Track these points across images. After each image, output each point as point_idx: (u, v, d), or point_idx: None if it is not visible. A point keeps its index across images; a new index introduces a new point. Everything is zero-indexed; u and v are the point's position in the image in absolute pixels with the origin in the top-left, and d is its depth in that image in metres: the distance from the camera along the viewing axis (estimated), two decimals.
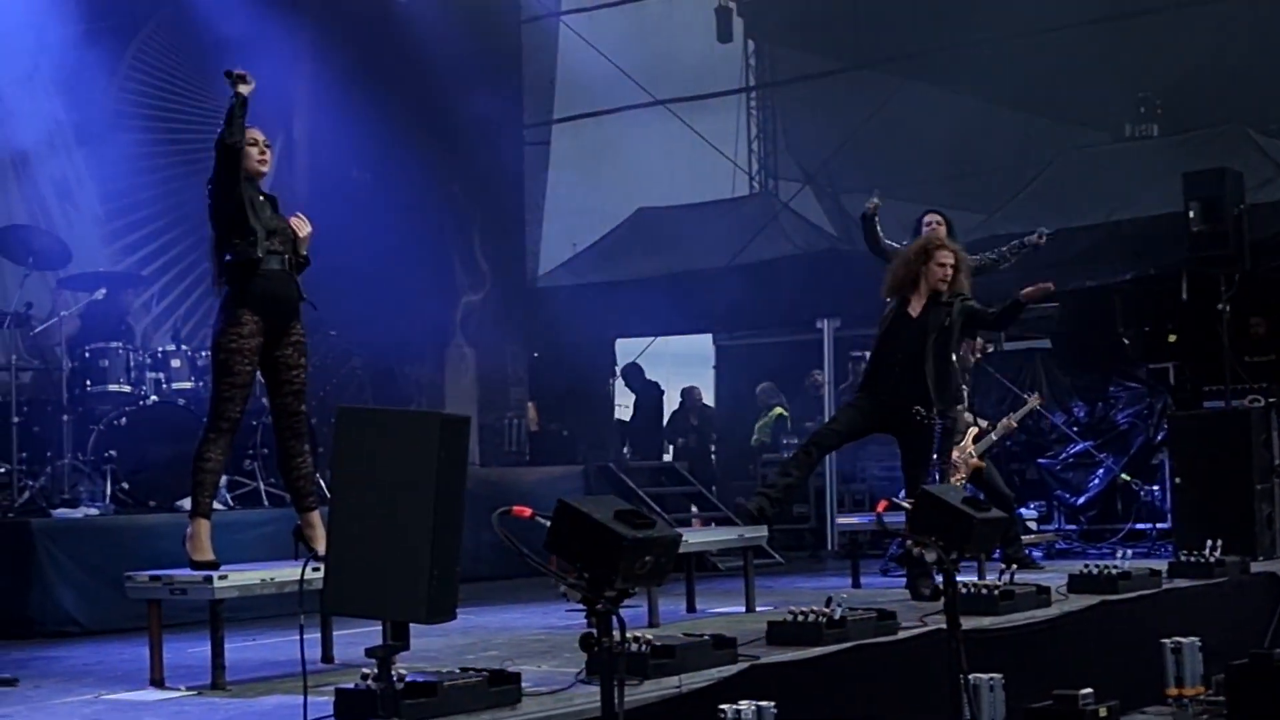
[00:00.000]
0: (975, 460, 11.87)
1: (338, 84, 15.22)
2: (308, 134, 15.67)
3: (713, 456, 19.42)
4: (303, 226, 7.65)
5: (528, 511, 4.99)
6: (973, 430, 12.07)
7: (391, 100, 15.48)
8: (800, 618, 7.35)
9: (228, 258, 7.42)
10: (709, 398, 20.37)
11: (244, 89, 7.48)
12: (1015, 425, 12.48)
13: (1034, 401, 12.99)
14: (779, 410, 18.29)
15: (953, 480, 11.00)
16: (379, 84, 15.44)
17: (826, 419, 16.93)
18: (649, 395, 19.31)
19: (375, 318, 14.48)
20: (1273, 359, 14.72)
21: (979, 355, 12.71)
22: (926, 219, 10.60)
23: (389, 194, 15.50)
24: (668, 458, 18.57)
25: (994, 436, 12.14)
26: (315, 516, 7.54)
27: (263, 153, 7.61)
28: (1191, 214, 12.64)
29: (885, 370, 9.59)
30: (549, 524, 4.91)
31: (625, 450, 18.42)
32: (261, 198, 7.59)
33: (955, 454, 11.84)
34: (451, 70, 16.16)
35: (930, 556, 6.58)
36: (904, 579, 11.14)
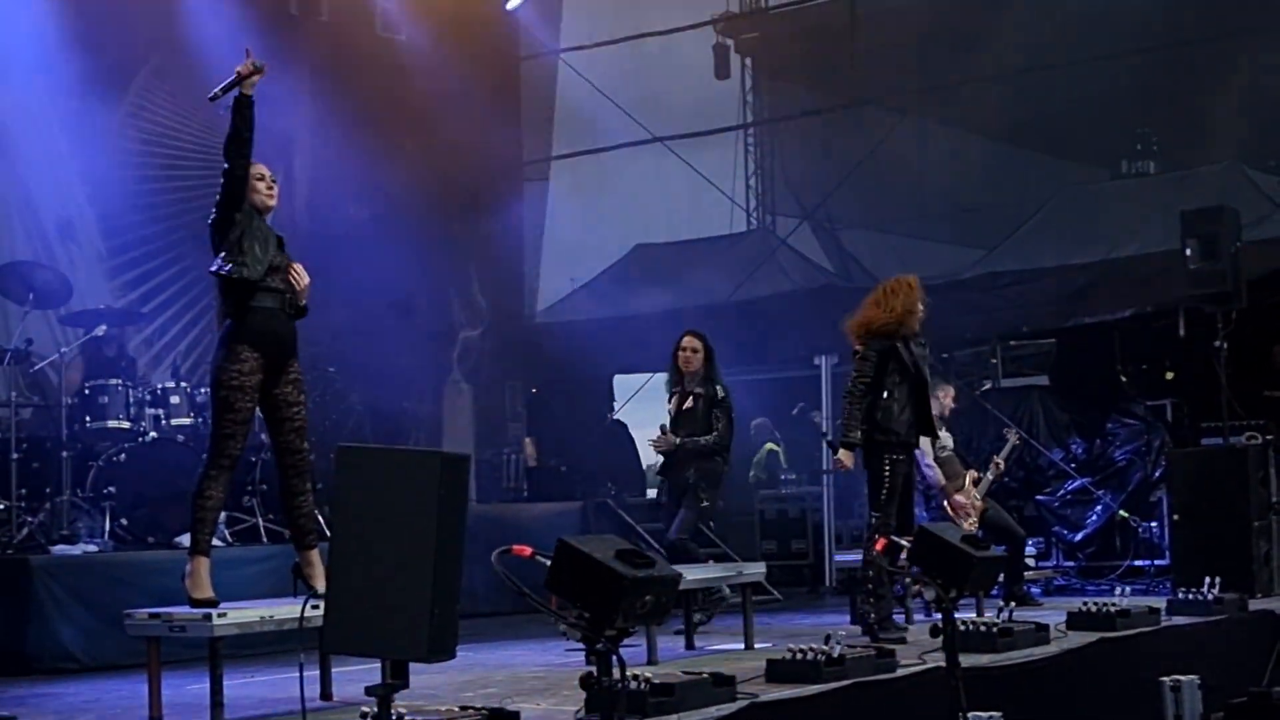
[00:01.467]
0: (980, 504, 11.92)
1: (337, 121, 15.29)
2: (308, 171, 15.72)
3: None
4: (302, 278, 7.63)
5: (528, 551, 4.99)
6: (971, 474, 12.11)
7: (390, 137, 15.55)
8: (799, 655, 7.34)
9: (225, 269, 7.39)
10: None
11: (249, 89, 7.50)
12: (1002, 465, 12.48)
13: (1013, 438, 12.99)
14: (770, 446, 18.29)
15: (965, 526, 11.02)
16: (378, 121, 15.51)
17: (825, 457, 16.99)
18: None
19: (373, 354, 14.52)
20: None
21: (955, 404, 12.77)
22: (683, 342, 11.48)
23: (387, 230, 15.56)
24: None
25: (989, 478, 12.18)
26: (315, 555, 7.54)
27: (270, 186, 7.62)
28: (1189, 251, 12.68)
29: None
30: (549, 563, 4.92)
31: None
32: (266, 232, 7.59)
33: (962, 499, 11.88)
34: (450, 107, 16.23)
35: (929, 594, 6.58)
36: (902, 616, 11.15)
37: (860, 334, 9.80)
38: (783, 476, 18.04)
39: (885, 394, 9.57)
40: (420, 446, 14.22)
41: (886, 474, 9.52)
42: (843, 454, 9.64)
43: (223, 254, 7.41)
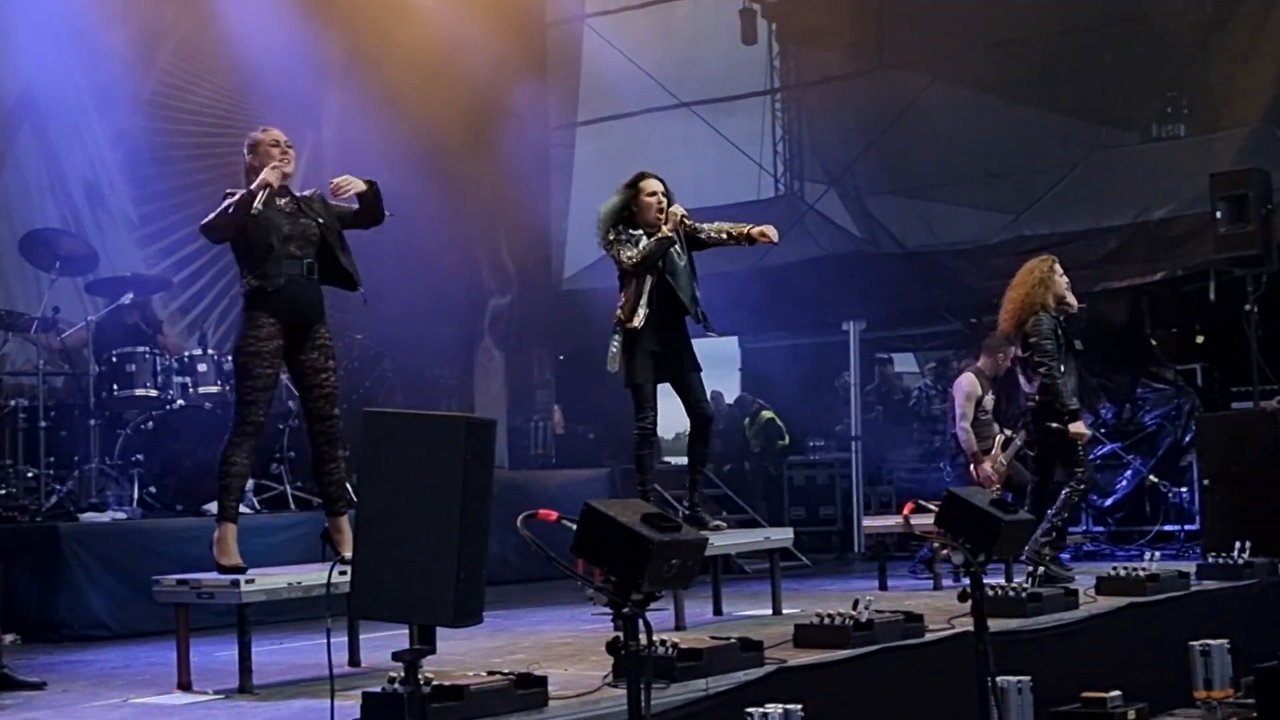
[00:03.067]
0: (1006, 468, 11.88)
1: (365, 89, 15.26)
2: (336, 138, 15.71)
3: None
4: (353, 184, 7.62)
5: (554, 515, 4.98)
6: (1000, 438, 12.07)
7: (418, 104, 15.50)
8: (827, 620, 7.33)
9: (251, 282, 7.44)
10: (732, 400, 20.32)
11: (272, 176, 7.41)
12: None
13: None
14: (766, 414, 18.24)
15: (991, 489, 11.00)
16: (405, 88, 15.47)
17: (854, 420, 16.96)
18: None
19: (405, 321, 14.51)
20: None
21: (1010, 364, 12.73)
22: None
23: (417, 197, 15.54)
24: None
25: (1019, 441, 12.14)
26: (344, 521, 7.55)
27: (285, 152, 7.58)
28: (1219, 214, 12.60)
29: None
30: (575, 528, 4.91)
31: None
32: (283, 202, 7.56)
33: (988, 464, 11.85)
34: (477, 74, 16.20)
35: (957, 559, 6.56)
36: (930, 582, 11.15)
37: (1013, 320, 10.52)
38: (778, 443, 17.98)
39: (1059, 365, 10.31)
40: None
41: (1068, 441, 10.30)
42: (1073, 426, 10.32)
43: (251, 264, 7.45)
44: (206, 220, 7.53)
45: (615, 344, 8.96)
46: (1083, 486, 10.50)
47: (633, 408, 9.08)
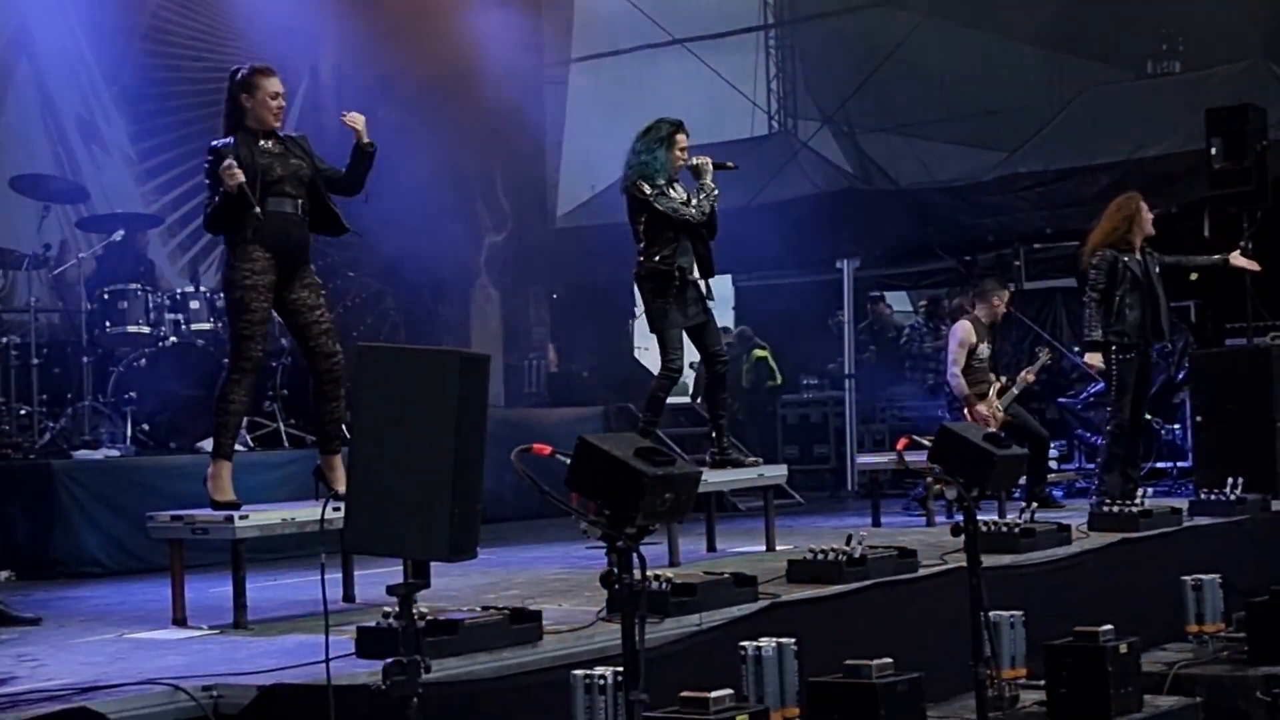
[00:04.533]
0: (1003, 415, 11.89)
1: (362, 25, 15.17)
2: (334, 74, 15.62)
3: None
4: (360, 125, 7.62)
5: (548, 449, 4.97)
6: (996, 384, 12.08)
7: (414, 40, 15.40)
8: (821, 556, 7.35)
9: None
10: (729, 338, 20.31)
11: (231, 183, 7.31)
12: (1032, 378, 12.52)
13: (1044, 357, 13.10)
14: (759, 352, 18.22)
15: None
16: (402, 24, 15.37)
17: (847, 359, 16.94)
18: None
19: (404, 258, 14.48)
20: None
21: (1009, 309, 12.77)
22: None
23: (414, 134, 15.47)
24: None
25: (1015, 390, 12.16)
26: (337, 459, 7.54)
27: (280, 106, 7.53)
28: (1214, 150, 12.57)
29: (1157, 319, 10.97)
30: (569, 461, 4.90)
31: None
32: (269, 144, 7.50)
33: (983, 408, 11.86)
34: (472, 9, 16.08)
35: (951, 494, 6.57)
36: (924, 519, 11.18)
37: (1089, 249, 11.10)
38: (766, 384, 17.96)
39: (1117, 299, 10.84)
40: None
41: (1115, 372, 10.90)
42: (1089, 355, 11.04)
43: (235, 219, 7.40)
44: (208, 223, 7.58)
45: (650, 289, 9.26)
46: (1110, 427, 11.05)
47: (660, 350, 9.34)
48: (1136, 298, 10.89)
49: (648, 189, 9.16)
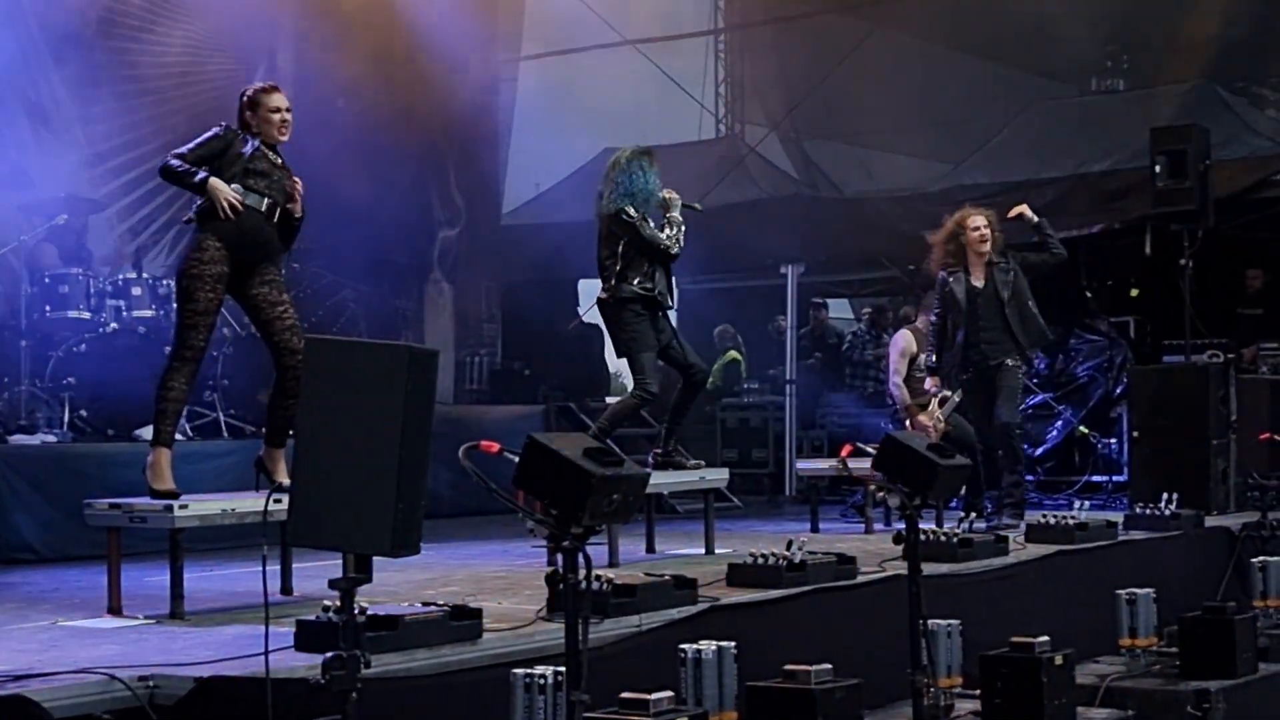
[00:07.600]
0: (945, 425, 11.93)
1: (320, 17, 15.11)
2: (292, 64, 15.53)
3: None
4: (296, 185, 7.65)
5: (495, 447, 4.96)
6: (939, 396, 12.13)
7: (370, 33, 15.36)
8: (761, 560, 7.37)
9: (204, 203, 7.40)
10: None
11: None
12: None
13: (956, 397, 13.13)
14: (733, 354, 18.26)
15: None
16: (359, 16, 15.33)
17: (788, 366, 16.97)
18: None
19: (360, 250, 14.42)
20: (1262, 314, 14.78)
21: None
22: None
23: (370, 127, 15.42)
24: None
25: (955, 400, 12.20)
26: (280, 453, 7.52)
27: (285, 121, 7.56)
28: (1157, 169, 12.67)
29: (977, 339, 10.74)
30: (517, 460, 4.89)
31: None
32: (272, 154, 7.54)
33: (925, 419, 11.90)
34: (430, 4, 16.06)
35: (894, 501, 6.60)
36: (862, 526, 11.22)
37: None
38: (745, 385, 18.01)
39: (950, 324, 10.91)
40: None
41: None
42: (929, 379, 11.34)
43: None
44: (164, 171, 7.51)
45: (630, 313, 9.32)
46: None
47: (633, 373, 9.47)
48: (961, 320, 10.84)
49: (634, 213, 9.20)
